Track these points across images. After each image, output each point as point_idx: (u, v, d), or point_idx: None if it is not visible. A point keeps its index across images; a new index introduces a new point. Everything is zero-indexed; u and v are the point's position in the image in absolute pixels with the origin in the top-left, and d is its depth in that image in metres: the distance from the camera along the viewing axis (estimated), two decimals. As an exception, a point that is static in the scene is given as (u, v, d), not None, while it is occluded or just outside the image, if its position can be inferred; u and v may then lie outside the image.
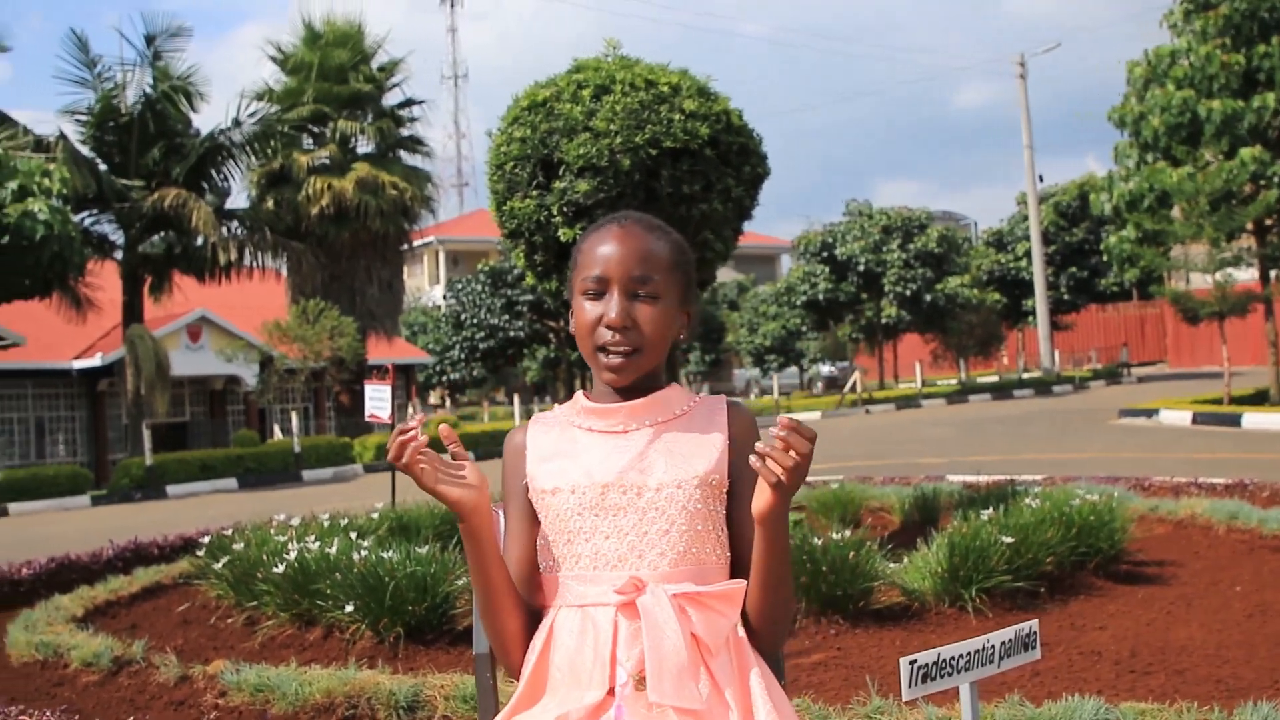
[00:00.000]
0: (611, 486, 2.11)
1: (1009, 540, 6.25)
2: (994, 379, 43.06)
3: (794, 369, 51.42)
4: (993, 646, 3.25)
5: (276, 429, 35.00)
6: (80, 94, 29.41)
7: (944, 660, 3.15)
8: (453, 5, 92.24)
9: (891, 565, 6.45)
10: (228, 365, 31.83)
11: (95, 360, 34.68)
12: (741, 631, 2.12)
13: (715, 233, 7.57)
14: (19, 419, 36.43)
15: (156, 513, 17.33)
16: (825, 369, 51.19)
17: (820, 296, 41.03)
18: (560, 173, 7.30)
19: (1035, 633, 3.37)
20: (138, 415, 26.92)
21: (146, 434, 24.30)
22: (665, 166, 7.23)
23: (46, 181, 22.69)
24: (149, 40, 29.21)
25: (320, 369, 28.86)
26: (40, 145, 27.44)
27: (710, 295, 54.38)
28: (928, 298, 39.52)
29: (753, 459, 1.93)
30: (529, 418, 2.35)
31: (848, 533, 6.38)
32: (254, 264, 32.10)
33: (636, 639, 2.02)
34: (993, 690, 4.33)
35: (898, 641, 5.75)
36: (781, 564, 2.07)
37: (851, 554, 6.04)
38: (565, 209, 7.25)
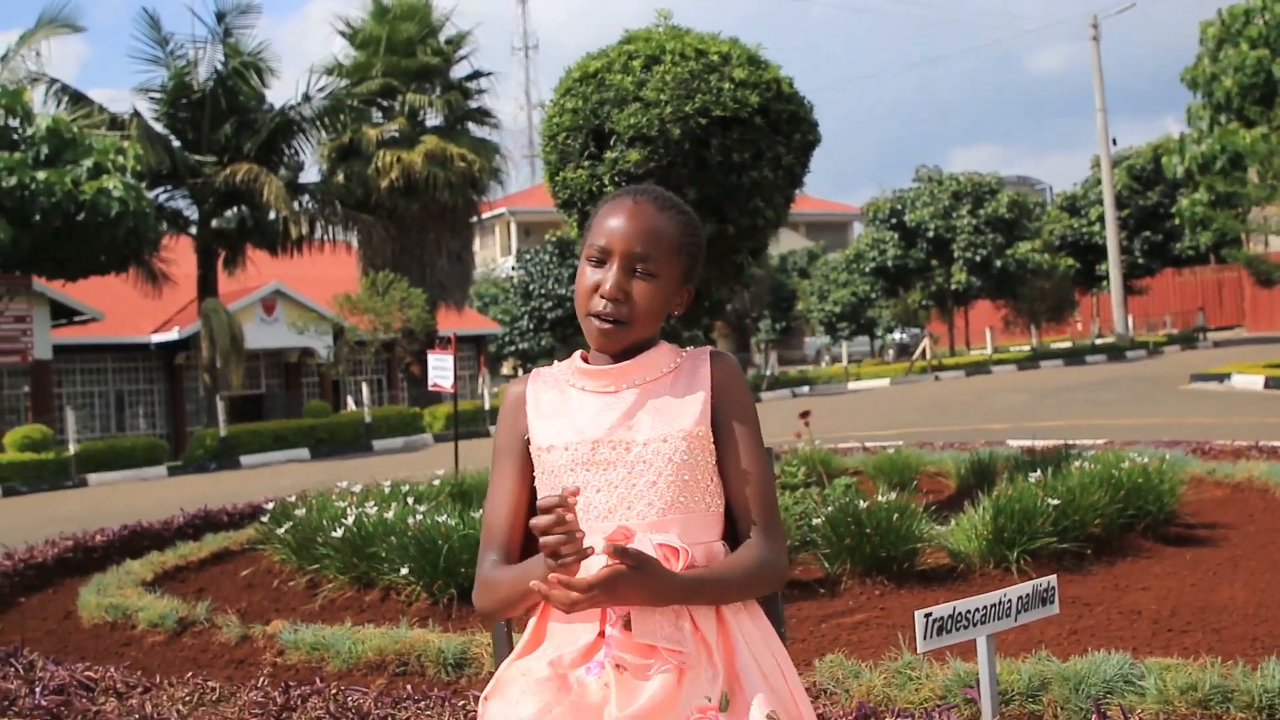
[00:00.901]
0: (601, 443, 2.21)
1: (1055, 503, 6.29)
2: (1066, 345, 42.64)
3: (865, 337, 51.22)
4: (1010, 601, 3.33)
5: (349, 400, 35.44)
6: (153, 72, 29.91)
7: (960, 614, 3.23)
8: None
9: (938, 528, 6.52)
10: (301, 338, 32.22)
11: (172, 334, 35.27)
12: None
13: (766, 200, 7.62)
14: (99, 392, 37.12)
15: (230, 483, 17.69)
16: (897, 336, 50.92)
17: (889, 263, 40.82)
18: (611, 143, 7.40)
19: (1053, 588, 3.44)
20: (213, 387, 27.40)
21: (221, 406, 24.74)
22: (715, 135, 7.31)
23: (121, 159, 23.12)
24: (219, 17, 29.60)
25: (391, 340, 29.19)
26: (115, 123, 27.94)
27: (780, 263, 54.25)
28: (998, 263, 39.17)
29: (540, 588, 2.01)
30: None
31: (894, 495, 6.44)
32: (325, 237, 32.50)
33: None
34: (1022, 646, 4.40)
35: (940, 602, 5.81)
36: (721, 596, 2.16)
37: (896, 516, 6.11)
38: (616, 179, 7.34)
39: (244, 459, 23.56)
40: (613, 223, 2.24)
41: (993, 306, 44.84)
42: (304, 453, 24.77)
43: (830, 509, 6.26)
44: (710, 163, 7.33)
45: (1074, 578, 6.13)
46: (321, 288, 33.93)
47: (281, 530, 7.29)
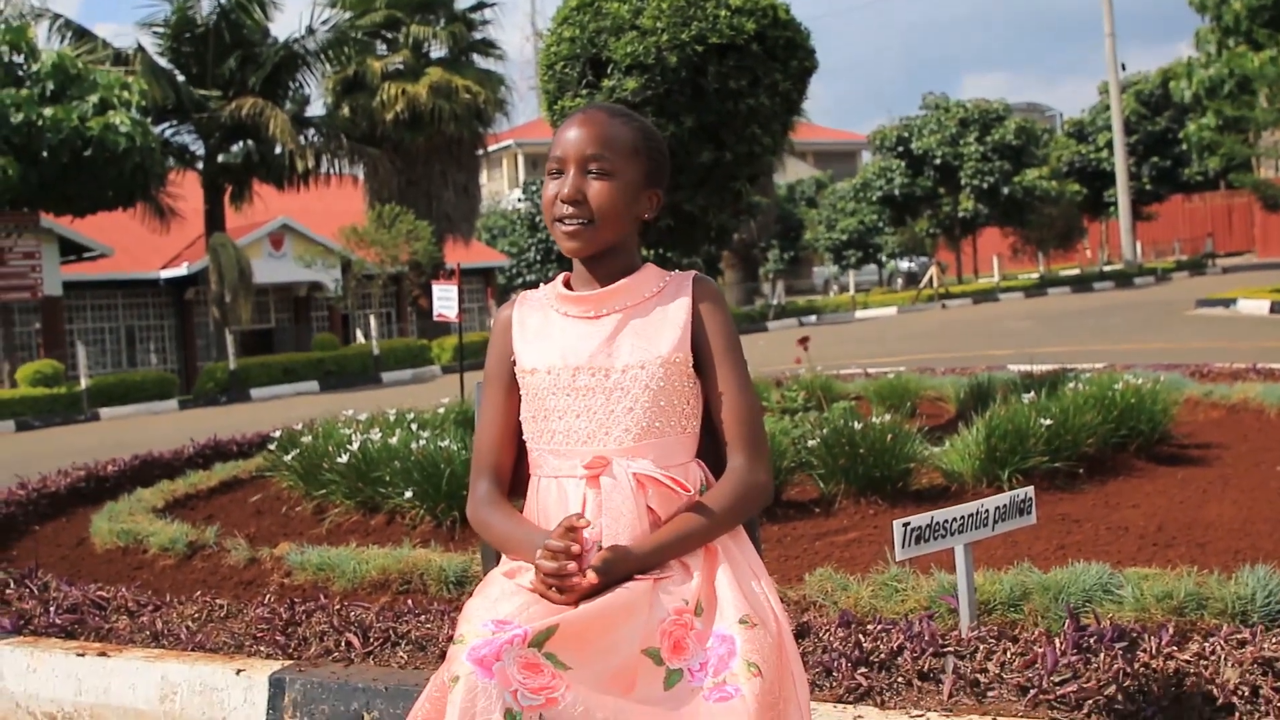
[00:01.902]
0: (582, 369, 2.31)
1: (1047, 423, 6.38)
2: (1075, 272, 42.62)
3: (873, 265, 51.19)
4: (987, 511, 3.44)
5: (358, 334, 35.58)
6: (156, 6, 29.91)
7: (937, 523, 3.34)
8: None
9: (932, 449, 6.63)
10: (310, 272, 32.33)
11: (181, 270, 35.35)
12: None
13: (763, 127, 7.67)
14: (110, 328, 37.26)
15: (240, 415, 17.85)
16: (904, 265, 50.90)
17: (896, 191, 40.76)
18: (609, 71, 7.44)
19: (1030, 499, 3.55)
20: (222, 322, 27.53)
21: (230, 340, 24.90)
22: (712, 63, 7.34)
23: (126, 94, 23.13)
24: (221, -50, 29.45)
25: (399, 274, 29.28)
26: (119, 59, 27.91)
27: (788, 192, 54.14)
28: (1006, 191, 39.10)
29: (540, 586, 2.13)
30: None
31: (887, 417, 6.55)
32: (331, 171, 32.50)
33: (599, 509, 2.24)
34: (1009, 560, 4.52)
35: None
36: (708, 539, 2.27)
37: (890, 437, 6.22)
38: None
39: (254, 392, 23.75)
40: (566, 135, 2.33)
41: (1000, 234, 44.80)
42: (313, 385, 24.95)
43: (825, 431, 6.36)
44: (707, 90, 7.37)
45: (1065, 496, 6.23)
46: (329, 222, 33.99)
47: (288, 457, 7.42)
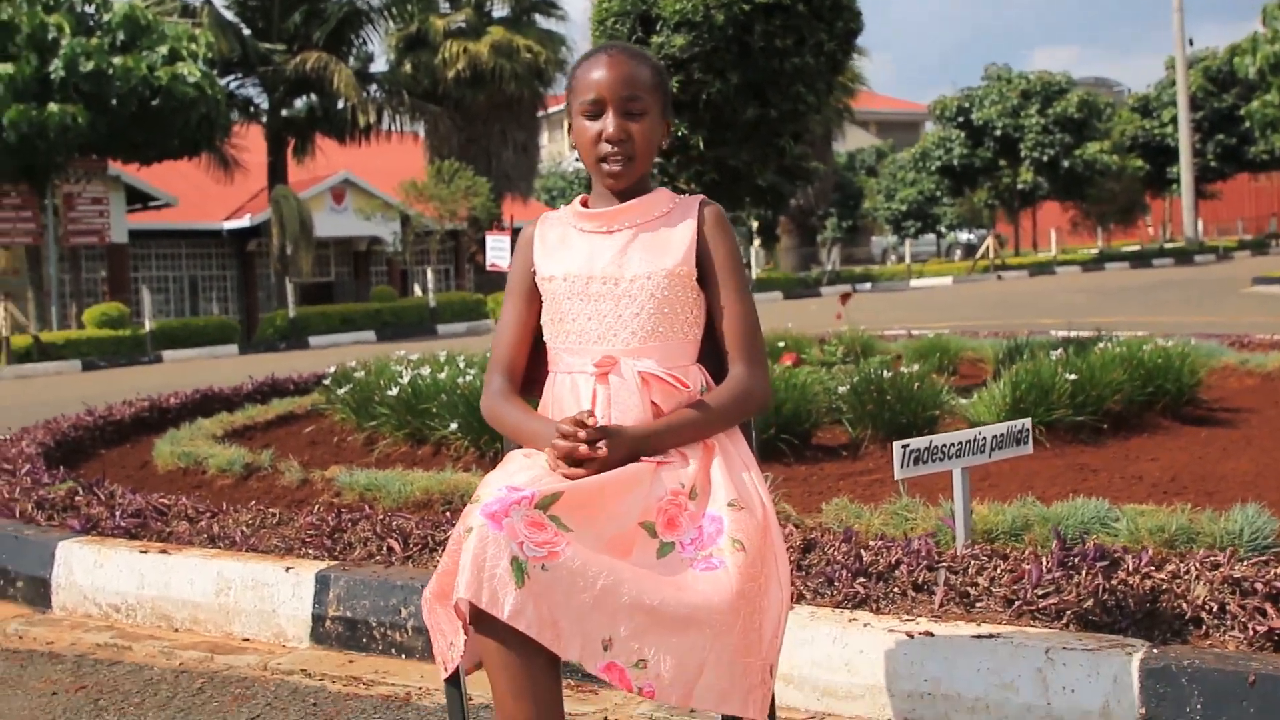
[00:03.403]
0: (595, 278, 2.57)
1: (1072, 377, 6.58)
2: (1134, 248, 42.36)
3: (931, 236, 51.07)
4: (984, 438, 3.68)
5: (416, 288, 36.01)
6: (225, -40, 30.24)
7: (936, 447, 3.59)
8: None
9: (960, 400, 6.85)
10: (370, 226, 32.73)
11: (244, 221, 35.86)
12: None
13: (808, 86, 7.88)
14: (174, 277, 37.86)
15: (298, 360, 18.24)
16: (963, 237, 50.75)
17: (955, 162, 40.68)
18: (658, 28, 7.67)
19: (1028, 430, 3.79)
20: (283, 272, 28.00)
21: (290, 288, 25.36)
22: (758, 21, 7.55)
23: (194, 45, 23.55)
24: (291, -96, 29.83)
25: (457, 231, 29.64)
26: (187, 11, 28.37)
27: (848, 161, 54.04)
28: (1066, 164, 38.92)
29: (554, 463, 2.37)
30: None
31: (915, 366, 6.77)
32: (392, 127, 32.88)
33: (608, 403, 2.51)
34: (1012, 495, 4.74)
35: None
36: (706, 433, 2.52)
37: (917, 385, 6.45)
38: (662, 62, 7.62)
39: (312, 340, 24.21)
40: (597, 76, 2.56)
41: (1060, 208, 44.61)
42: (370, 335, 25.39)
43: (856, 379, 6.60)
44: (753, 48, 7.58)
45: (1087, 449, 6.42)
46: (389, 178, 34.37)
47: (342, 391, 7.75)
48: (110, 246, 29.12)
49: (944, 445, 3.62)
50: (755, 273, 34.38)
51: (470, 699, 2.60)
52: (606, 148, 2.55)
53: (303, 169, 33.29)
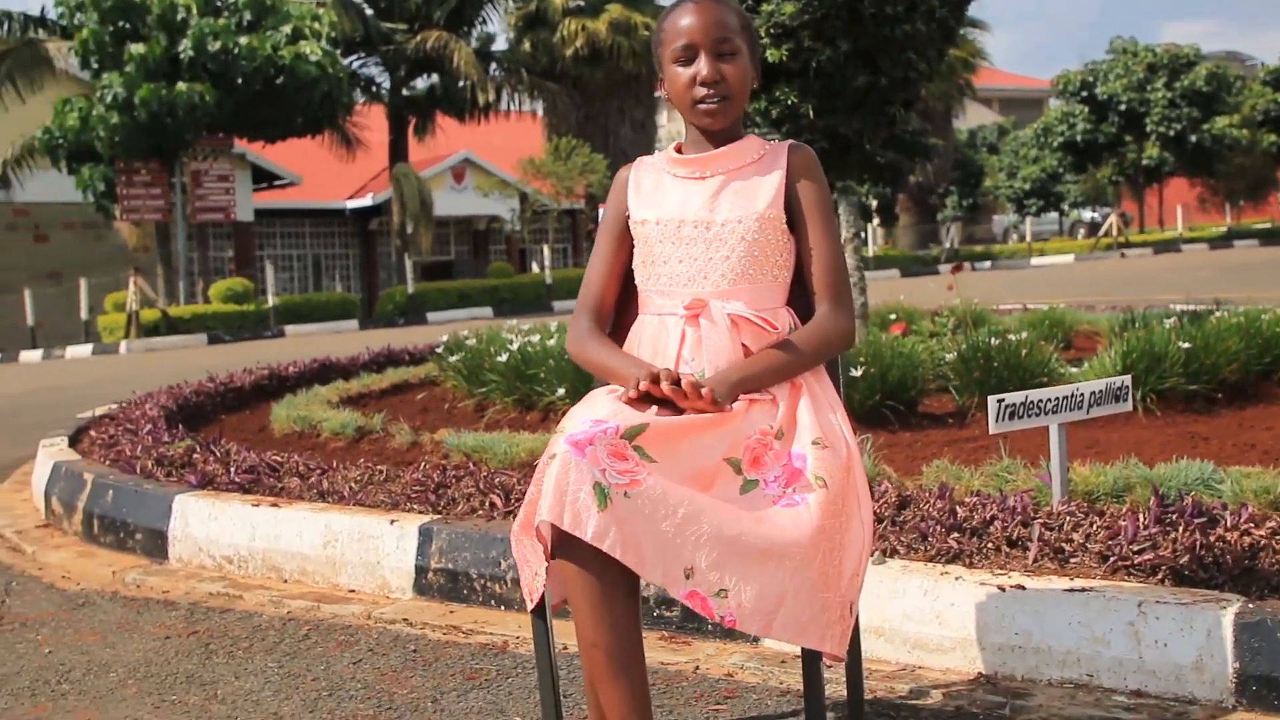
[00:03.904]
0: (686, 221, 2.61)
1: (1186, 345, 6.46)
2: (1265, 226, 41.25)
3: (1054, 215, 50.20)
4: (1082, 395, 3.65)
5: (534, 265, 36.31)
6: (348, -60, 30.66)
7: (1032, 402, 3.57)
8: None
9: (1070, 369, 6.76)
10: (489, 205, 33.06)
11: (366, 200, 36.43)
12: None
13: (919, 53, 7.80)
14: (298, 256, 38.60)
15: (416, 334, 18.49)
16: (1087, 215, 49.80)
17: (1079, 137, 39.89)
18: (768, -5, 7.64)
19: (1127, 387, 3.76)
20: (403, 248, 28.41)
21: (409, 265, 25.74)
22: (868, -13, 7.50)
23: (317, 25, 23.97)
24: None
25: (574, 210, 29.82)
26: (311, -9, 28.86)
27: (969, 138, 53.29)
28: (1194, 139, 37.99)
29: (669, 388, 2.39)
30: None
31: (1024, 334, 6.70)
32: (511, 106, 33.15)
33: (698, 344, 2.54)
34: (1113, 456, 4.69)
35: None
36: (795, 372, 2.54)
37: (1025, 352, 6.38)
38: (772, 30, 7.60)
39: (430, 315, 24.56)
40: (687, 22, 2.59)
41: (1187, 184, 43.55)
42: (487, 311, 25.69)
43: (964, 346, 6.55)
44: (863, 15, 7.53)
45: (1200, 418, 6.31)
46: (508, 157, 34.69)
47: (454, 358, 7.88)
48: (236, 225, 29.74)
49: (1040, 400, 3.60)
50: (872, 250, 34.12)
51: (563, 646, 2.66)
52: (702, 90, 2.58)
53: (423, 148, 33.71)
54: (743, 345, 2.53)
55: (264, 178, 34.42)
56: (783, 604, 2.27)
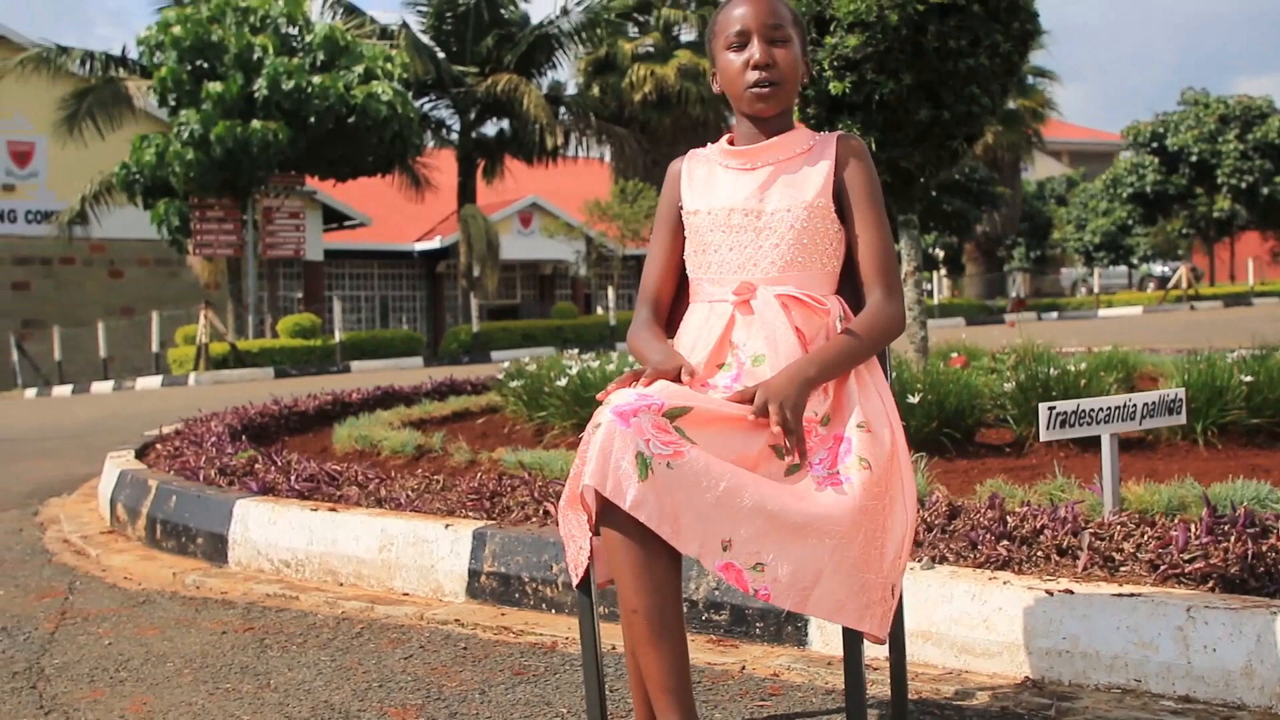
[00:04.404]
0: (736, 210, 2.66)
1: (1248, 379, 6.41)
2: (1340, 281, 40.71)
3: (1123, 269, 49.75)
4: (1135, 405, 3.65)
5: (598, 308, 36.46)
6: (423, -15, 31.21)
7: (1084, 410, 3.57)
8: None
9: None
10: (556, 249, 33.31)
11: (434, 243, 36.82)
12: (840, 326, 2.63)
13: (982, 87, 7.82)
14: (365, 297, 39.04)
15: (479, 371, 18.60)
16: (1157, 269, 49.30)
17: (1148, 188, 39.60)
18: (831, 29, 7.71)
19: (1180, 400, 3.74)
20: (469, 287, 28.65)
21: (474, 303, 25.94)
22: (932, 21, 7.54)
23: (389, 66, 24.33)
24: (486, -70, 30.63)
25: (640, 256, 29.94)
26: (384, 34, 29.30)
27: (1037, 189, 53.03)
28: (1266, 191, 37.57)
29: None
30: None
31: (1083, 365, 6.67)
32: (579, 149, 33.41)
33: (750, 327, 2.57)
34: (1169, 476, 4.66)
35: (1122, 465, 6.05)
36: (849, 362, 2.55)
37: (1083, 383, 6.36)
38: (835, 63, 7.66)
39: (494, 354, 24.73)
40: (740, 11, 2.65)
41: (1259, 238, 43.04)
42: (550, 350, 25.76)
43: (1021, 376, 6.54)
44: (927, 48, 7.57)
45: (1262, 452, 6.24)
46: (575, 202, 34.95)
47: (514, 383, 7.95)
48: (306, 264, 30.17)
49: (1092, 410, 3.59)
50: (938, 298, 33.97)
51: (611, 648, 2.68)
52: (754, 74, 2.62)
53: (492, 191, 34.03)
54: (796, 329, 2.56)
55: (334, 218, 34.91)
56: (820, 580, 2.29)
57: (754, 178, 2.68)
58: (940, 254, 42.37)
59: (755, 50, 2.62)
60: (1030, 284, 50.80)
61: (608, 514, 2.29)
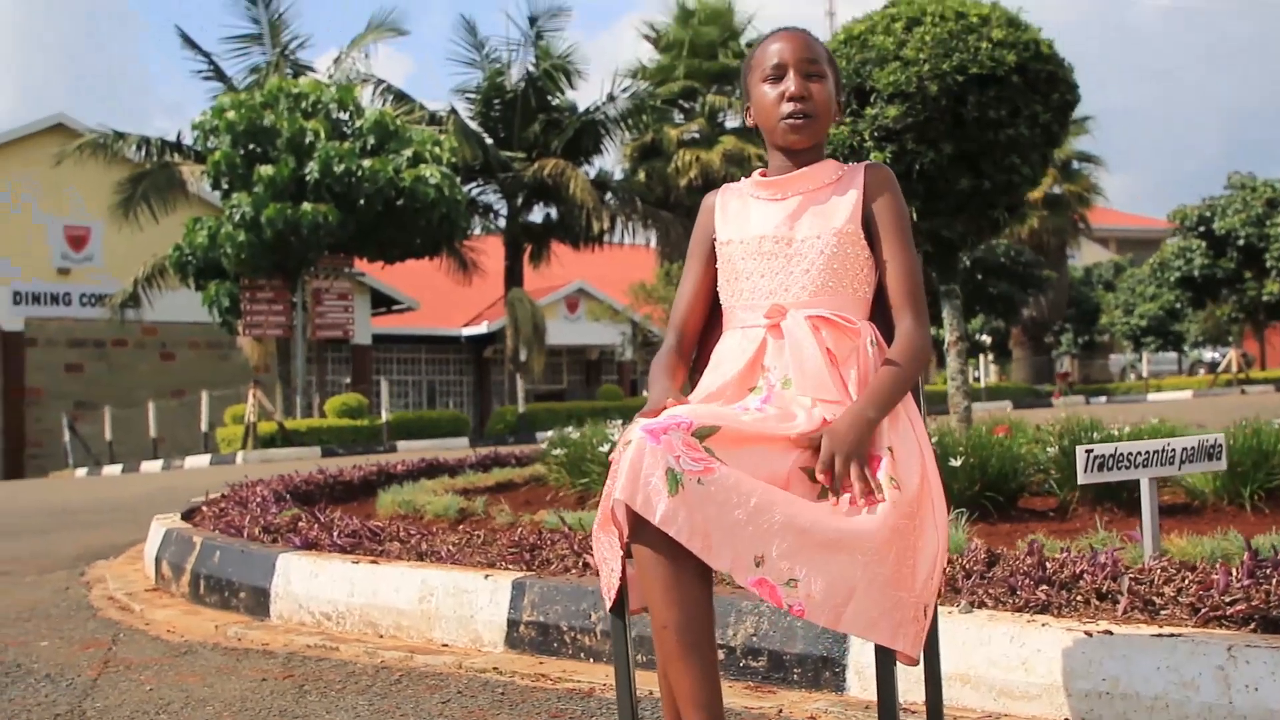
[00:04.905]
0: (767, 238, 2.71)
1: (1294, 444, 6.36)
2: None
3: (1172, 354, 49.40)
4: (1174, 450, 3.64)
5: (645, 393, 36.48)
6: (469, 74, 31.84)
7: (1122, 454, 3.57)
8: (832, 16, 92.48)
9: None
10: (602, 334, 33.47)
11: (481, 328, 37.07)
12: (871, 349, 2.66)
13: (1022, 157, 7.88)
14: (413, 381, 39.28)
15: (525, 451, 18.72)
16: (1207, 355, 48.92)
17: (1196, 272, 39.37)
18: (871, 100, 7.80)
19: (1221, 445, 3.73)
20: (515, 370, 28.80)
21: (520, 384, 26.06)
22: (972, 92, 7.62)
23: (437, 150, 24.70)
24: (532, 21, 31.17)
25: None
26: (433, 120, 29.77)
27: (1084, 275, 52.90)
28: (1316, 276, 37.33)
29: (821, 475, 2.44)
30: None
31: (1127, 428, 6.64)
32: (625, 235, 33.69)
33: (781, 351, 2.61)
34: (1209, 529, 4.62)
35: (1169, 531, 6.00)
36: (899, 392, 2.57)
37: (1127, 446, 6.31)
38: (875, 134, 7.75)
39: (539, 435, 24.75)
40: (778, 45, 2.72)
41: (1312, 323, 42.66)
42: (596, 432, 25.83)
43: (1065, 441, 6.51)
44: (966, 119, 7.64)
45: (1311, 517, 6.19)
46: (621, 287, 35.14)
47: (557, 451, 7.99)
48: (355, 348, 30.45)
49: (1130, 453, 3.59)
50: (985, 382, 33.86)
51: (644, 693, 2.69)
52: (789, 106, 2.68)
53: (539, 276, 34.31)
54: (828, 350, 2.59)
55: (383, 302, 35.25)
56: (853, 597, 2.30)
57: (784, 207, 2.73)
58: (987, 339, 42.26)
59: (791, 83, 2.68)
60: (1079, 370, 50.52)
61: (638, 530, 2.32)
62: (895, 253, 2.69)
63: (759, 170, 2.86)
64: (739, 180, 2.91)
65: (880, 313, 2.74)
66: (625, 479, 2.28)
